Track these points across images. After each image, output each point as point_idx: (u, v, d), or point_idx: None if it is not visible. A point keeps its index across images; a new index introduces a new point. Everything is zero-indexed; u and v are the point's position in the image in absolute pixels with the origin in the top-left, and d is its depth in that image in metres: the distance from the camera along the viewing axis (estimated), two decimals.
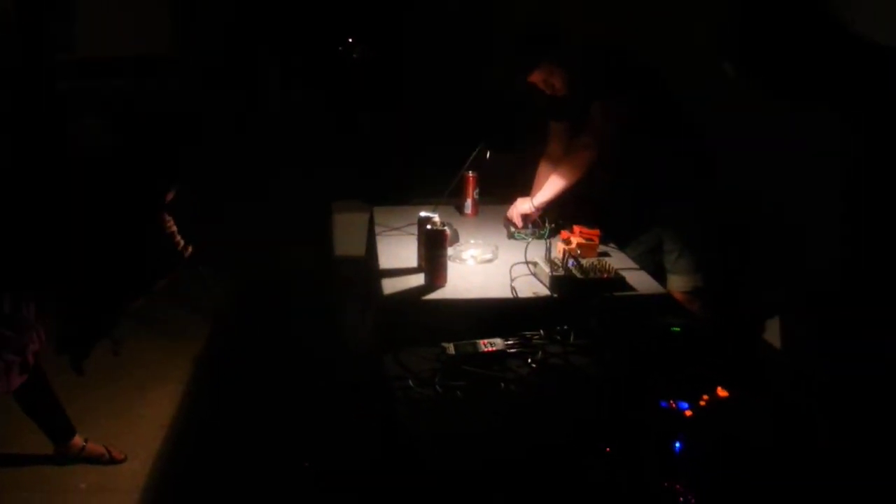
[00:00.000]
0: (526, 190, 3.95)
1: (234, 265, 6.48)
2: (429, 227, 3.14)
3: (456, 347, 2.63)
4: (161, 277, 3.64)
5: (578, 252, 3.28)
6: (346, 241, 6.03)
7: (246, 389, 4.57)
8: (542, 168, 4.06)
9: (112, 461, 3.84)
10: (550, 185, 3.74)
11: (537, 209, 3.77)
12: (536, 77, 3.72)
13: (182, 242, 3.64)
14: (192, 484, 3.75)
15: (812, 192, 2.97)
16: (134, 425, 4.14)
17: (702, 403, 2.28)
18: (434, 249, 3.12)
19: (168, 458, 3.93)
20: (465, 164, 3.92)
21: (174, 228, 3.61)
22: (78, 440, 3.80)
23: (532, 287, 3.14)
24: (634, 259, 3.58)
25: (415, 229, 3.60)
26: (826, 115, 2.35)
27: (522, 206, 3.79)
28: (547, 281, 3.12)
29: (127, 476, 3.77)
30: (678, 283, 3.78)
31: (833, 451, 2.18)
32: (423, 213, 3.33)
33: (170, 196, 3.54)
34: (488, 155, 3.87)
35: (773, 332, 3.95)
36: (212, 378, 4.75)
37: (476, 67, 7.69)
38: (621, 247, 3.71)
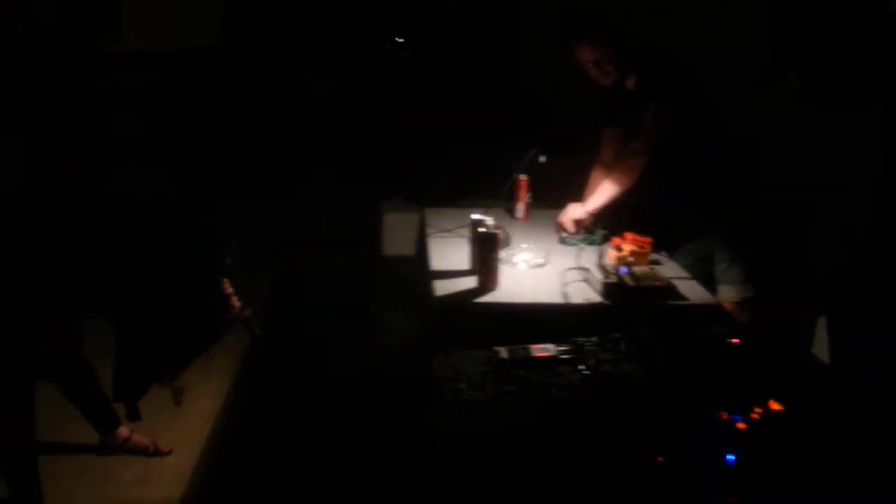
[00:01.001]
0: (578, 195, 3.94)
1: (279, 263, 6.51)
2: (482, 229, 3.14)
3: (508, 351, 2.62)
4: (218, 338, 3.69)
5: (630, 259, 3.27)
6: (394, 240, 6.05)
7: (289, 385, 4.58)
8: (595, 174, 4.05)
9: (157, 453, 3.84)
10: (602, 191, 3.73)
11: (589, 215, 3.76)
12: (587, 55, 3.69)
13: (239, 305, 3.68)
14: (236, 477, 3.75)
15: (856, 191, 2.95)
16: (178, 419, 4.13)
17: (755, 416, 2.27)
18: (487, 252, 3.12)
19: (212, 451, 3.94)
20: (516, 167, 3.92)
21: (230, 290, 3.66)
22: (123, 431, 3.80)
23: (584, 293, 3.13)
24: (685, 268, 3.56)
25: (466, 231, 3.61)
26: (877, 114, 2.33)
27: (575, 212, 3.77)
28: (599, 287, 3.10)
29: (171, 469, 3.77)
30: (728, 294, 3.75)
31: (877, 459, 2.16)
32: (475, 216, 3.33)
33: (228, 261, 3.59)
34: (541, 159, 3.86)
35: (820, 343, 3.92)
36: (256, 373, 4.75)
37: (517, 67, 7.70)
38: (671, 255, 3.69)
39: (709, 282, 3.64)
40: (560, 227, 3.82)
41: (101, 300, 3.51)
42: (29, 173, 3.34)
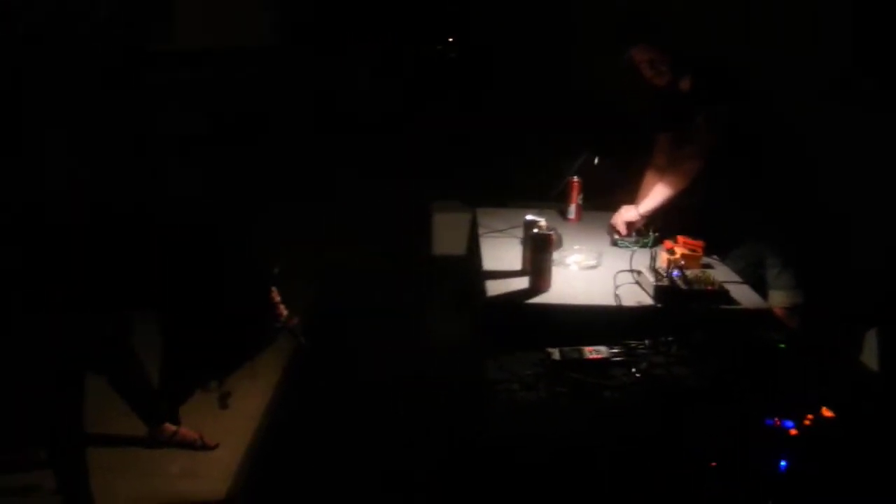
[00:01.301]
0: (630, 198, 3.94)
1: (325, 262, 6.54)
2: (535, 230, 3.16)
3: (561, 353, 2.64)
4: (264, 346, 3.70)
5: (682, 263, 3.26)
6: (444, 240, 6.08)
7: (335, 384, 4.58)
8: (648, 177, 4.05)
9: (204, 447, 3.84)
10: (656, 194, 3.73)
11: (642, 217, 3.76)
12: (642, 56, 3.69)
13: (286, 313, 3.69)
14: (281, 473, 3.77)
15: None
16: (224, 415, 4.12)
17: (807, 423, 2.27)
18: (540, 253, 3.14)
19: (258, 447, 3.95)
20: (567, 168, 3.93)
21: (278, 299, 3.67)
22: (170, 425, 3.82)
23: (636, 296, 3.14)
24: (736, 273, 3.55)
25: (518, 232, 3.63)
26: None
27: (627, 214, 3.78)
28: (651, 290, 3.11)
29: (217, 463, 3.78)
30: (779, 299, 3.73)
31: None
32: (529, 217, 3.35)
33: (276, 270, 3.62)
34: (596, 161, 3.87)
35: (870, 352, 3.90)
36: (301, 372, 4.74)
37: (571, 67, 7.69)
38: (722, 259, 3.69)
39: (760, 286, 3.62)
40: (612, 230, 3.83)
41: (147, 302, 3.55)
42: (79, 171, 3.39)
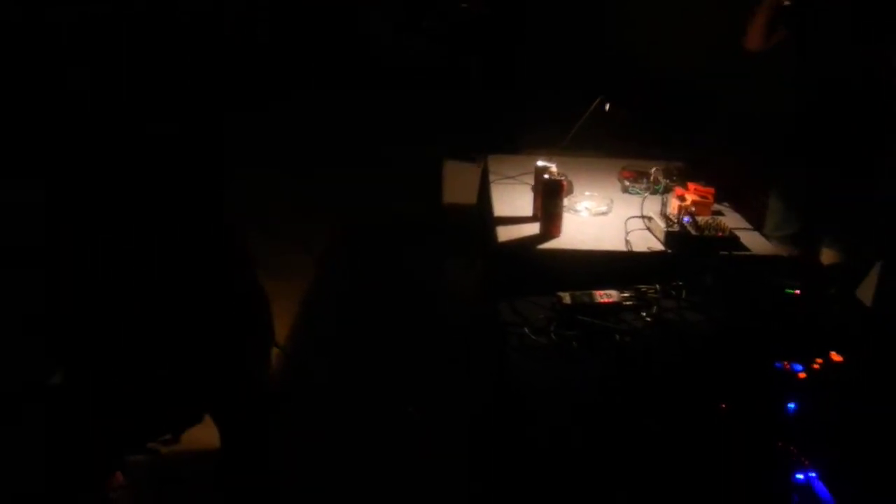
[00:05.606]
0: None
1: (341, 212, 6.56)
2: (546, 176, 3.17)
3: (572, 297, 2.66)
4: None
5: (693, 209, 3.28)
6: (455, 188, 6.07)
7: (351, 333, 4.63)
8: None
9: None
10: None
11: None
12: None
13: None
14: (298, 426, 3.76)
15: None
16: None
17: (815, 367, 2.29)
18: (551, 199, 3.15)
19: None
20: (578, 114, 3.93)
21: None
22: None
23: (646, 241, 3.15)
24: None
25: (529, 178, 3.63)
26: None
27: None
28: (661, 236, 3.12)
29: None
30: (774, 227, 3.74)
31: None
32: (540, 163, 3.36)
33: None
34: (606, 107, 3.86)
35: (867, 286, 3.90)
36: (317, 320, 4.79)
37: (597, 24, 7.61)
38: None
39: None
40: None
41: None
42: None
